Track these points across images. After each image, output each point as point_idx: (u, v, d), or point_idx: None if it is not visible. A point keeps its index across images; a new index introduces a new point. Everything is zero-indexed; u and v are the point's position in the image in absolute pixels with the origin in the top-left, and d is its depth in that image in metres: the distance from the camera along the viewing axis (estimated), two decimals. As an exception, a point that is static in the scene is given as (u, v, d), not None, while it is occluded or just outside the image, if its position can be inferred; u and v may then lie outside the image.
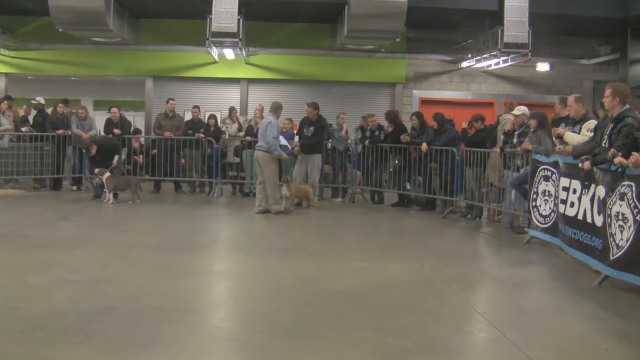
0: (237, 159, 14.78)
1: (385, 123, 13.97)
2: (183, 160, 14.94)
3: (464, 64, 18.36)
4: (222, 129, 15.16)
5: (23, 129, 14.59)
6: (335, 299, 5.99)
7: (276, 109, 11.90)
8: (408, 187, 13.18)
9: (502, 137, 11.10)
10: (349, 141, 14.56)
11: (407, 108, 18.12)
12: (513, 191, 10.26)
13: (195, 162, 14.87)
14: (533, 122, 9.90)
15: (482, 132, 12.12)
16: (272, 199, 11.56)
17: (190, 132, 14.76)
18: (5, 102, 14.69)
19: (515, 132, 10.56)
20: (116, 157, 13.00)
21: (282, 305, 5.71)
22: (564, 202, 8.30)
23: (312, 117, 12.75)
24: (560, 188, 8.45)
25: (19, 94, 17.21)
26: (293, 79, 18.83)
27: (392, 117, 13.67)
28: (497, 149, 11.12)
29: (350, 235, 10.33)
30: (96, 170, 12.46)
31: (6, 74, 18.85)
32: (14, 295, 5.73)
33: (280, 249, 8.55)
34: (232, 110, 15.74)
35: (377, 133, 13.78)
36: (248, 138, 14.26)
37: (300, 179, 12.85)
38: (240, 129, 15.08)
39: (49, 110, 15.06)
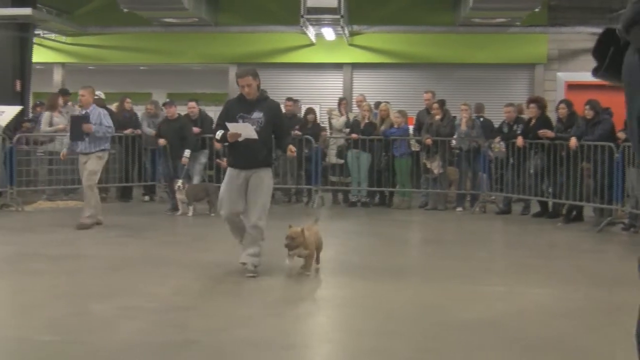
0: (341, 161, 14.81)
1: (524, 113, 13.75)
2: (275, 164, 15.09)
3: (623, 38, 17.72)
4: (325, 124, 15.24)
5: None
6: (463, 331, 5.87)
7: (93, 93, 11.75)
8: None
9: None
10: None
11: (551, 95, 17.67)
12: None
13: (290, 165, 15.00)
14: None
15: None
16: (97, 207, 11.41)
17: (283, 129, 14.87)
18: (61, 97, 15.15)
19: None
20: (187, 152, 13.12)
21: (397, 340, 5.62)
22: None
23: (252, 93, 8.12)
24: None
25: (77, 88, 17.54)
26: (406, 62, 18.75)
27: (541, 103, 13.40)
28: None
29: (481, 252, 10.13)
30: (179, 182, 12.70)
31: (63, 64, 19.61)
32: (74, 328, 5.85)
33: (393, 270, 8.48)
34: (341, 101, 15.78)
35: (514, 127, 13.53)
36: (354, 136, 14.28)
37: (231, 205, 8.12)
38: (347, 124, 15.09)
39: (114, 107, 15.52)
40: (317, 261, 8.25)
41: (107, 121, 11.31)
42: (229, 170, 8.22)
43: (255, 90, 8.11)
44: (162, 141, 13.49)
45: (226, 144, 8.31)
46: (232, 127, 7.96)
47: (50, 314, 6.21)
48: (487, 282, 7.84)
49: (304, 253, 8.00)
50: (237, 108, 8.19)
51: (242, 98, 8.20)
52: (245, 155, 8.03)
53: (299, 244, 7.87)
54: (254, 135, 7.90)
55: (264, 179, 8.12)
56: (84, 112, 11.27)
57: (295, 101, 15.99)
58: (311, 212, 13.56)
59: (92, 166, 11.21)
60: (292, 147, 8.22)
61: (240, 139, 7.93)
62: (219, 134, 8.13)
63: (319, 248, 8.26)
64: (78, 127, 11.06)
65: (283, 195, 15.38)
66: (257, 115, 8.09)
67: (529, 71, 18.75)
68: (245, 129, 7.94)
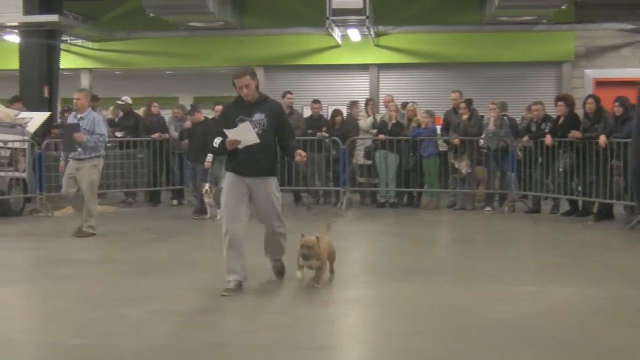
0: (369, 162, 14.78)
1: (552, 112, 13.63)
2: (302, 168, 15.11)
3: (653, 33, 17.62)
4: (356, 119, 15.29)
5: (117, 134, 15.13)
6: (492, 330, 5.85)
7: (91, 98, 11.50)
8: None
9: None
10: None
11: (579, 92, 17.50)
12: None
13: (317, 167, 14.99)
14: None
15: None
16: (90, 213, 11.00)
17: (310, 131, 14.90)
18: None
19: None
20: (209, 156, 12.99)
21: (426, 339, 5.62)
22: None
23: (251, 94, 7.37)
24: None
25: (105, 93, 17.82)
26: (432, 62, 18.70)
27: (569, 101, 13.30)
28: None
29: (510, 252, 10.07)
30: (206, 186, 12.73)
31: (90, 70, 19.77)
32: (105, 331, 5.89)
33: (421, 270, 8.46)
34: (368, 102, 15.77)
35: (543, 126, 13.45)
36: (381, 137, 14.26)
37: (234, 218, 7.56)
38: (374, 125, 15.08)
39: (141, 111, 15.64)
40: (332, 270, 7.96)
41: (101, 128, 10.82)
42: (229, 177, 7.46)
43: (254, 90, 7.36)
44: (187, 124, 13.83)
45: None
46: (230, 134, 7.23)
47: (81, 318, 6.27)
48: (516, 282, 7.79)
49: (315, 264, 7.46)
50: (235, 111, 7.42)
51: (239, 100, 7.45)
52: (247, 163, 7.31)
53: (315, 254, 7.37)
54: (255, 139, 7.18)
55: (272, 191, 7.50)
56: (79, 116, 10.89)
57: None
58: (339, 214, 13.59)
59: (88, 176, 10.77)
60: (301, 152, 7.38)
61: (240, 146, 7.22)
62: (216, 141, 7.34)
63: (331, 258, 7.87)
64: (70, 136, 10.73)
65: (311, 197, 15.37)
66: (258, 117, 7.34)
67: (557, 69, 18.61)
68: (244, 133, 7.18)
